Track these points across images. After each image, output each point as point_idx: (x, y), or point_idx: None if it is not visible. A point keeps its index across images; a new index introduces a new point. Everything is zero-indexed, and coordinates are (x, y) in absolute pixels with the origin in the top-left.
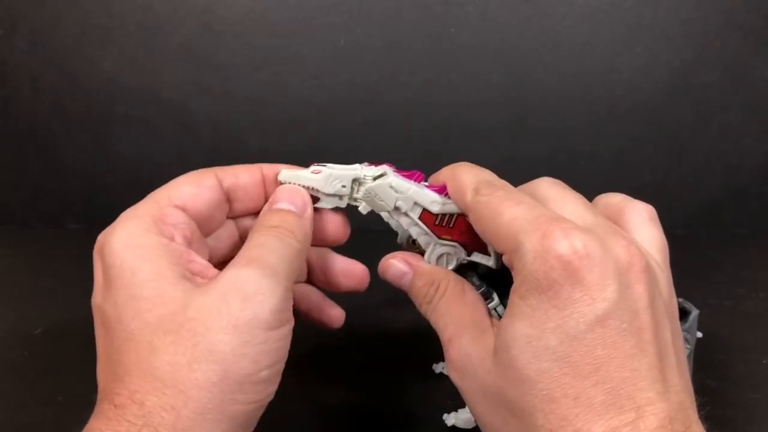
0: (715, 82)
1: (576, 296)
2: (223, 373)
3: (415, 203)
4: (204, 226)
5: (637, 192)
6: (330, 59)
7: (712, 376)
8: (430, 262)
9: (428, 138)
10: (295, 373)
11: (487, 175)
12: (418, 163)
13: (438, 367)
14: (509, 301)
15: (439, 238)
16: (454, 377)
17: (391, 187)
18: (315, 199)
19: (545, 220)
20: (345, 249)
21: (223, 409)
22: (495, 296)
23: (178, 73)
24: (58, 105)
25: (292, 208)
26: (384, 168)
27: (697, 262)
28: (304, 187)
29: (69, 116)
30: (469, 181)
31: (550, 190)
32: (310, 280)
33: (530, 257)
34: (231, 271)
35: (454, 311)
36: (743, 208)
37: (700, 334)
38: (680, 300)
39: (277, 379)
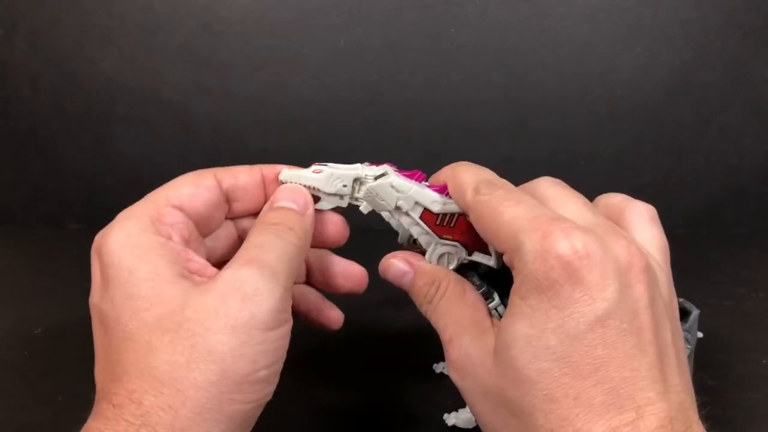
0: (715, 82)
1: (576, 296)
2: (221, 374)
3: (416, 203)
4: (202, 226)
5: (637, 192)
6: (330, 59)
7: (712, 376)
8: (431, 262)
9: (428, 138)
10: (294, 373)
11: (487, 174)
12: (418, 163)
13: (438, 367)
14: (509, 301)
15: (440, 237)
16: (455, 377)
17: (393, 186)
18: (316, 199)
19: (545, 219)
20: (346, 249)
21: (222, 409)
22: (496, 296)
23: (178, 73)
24: (58, 105)
25: (293, 206)
26: (385, 168)
27: (697, 262)
28: (305, 186)
29: (69, 116)
30: (469, 180)
31: (551, 189)
32: (308, 281)
33: (530, 257)
34: (230, 270)
35: (454, 311)
36: (743, 208)
37: (700, 335)
38: (681, 300)
39: (276, 379)
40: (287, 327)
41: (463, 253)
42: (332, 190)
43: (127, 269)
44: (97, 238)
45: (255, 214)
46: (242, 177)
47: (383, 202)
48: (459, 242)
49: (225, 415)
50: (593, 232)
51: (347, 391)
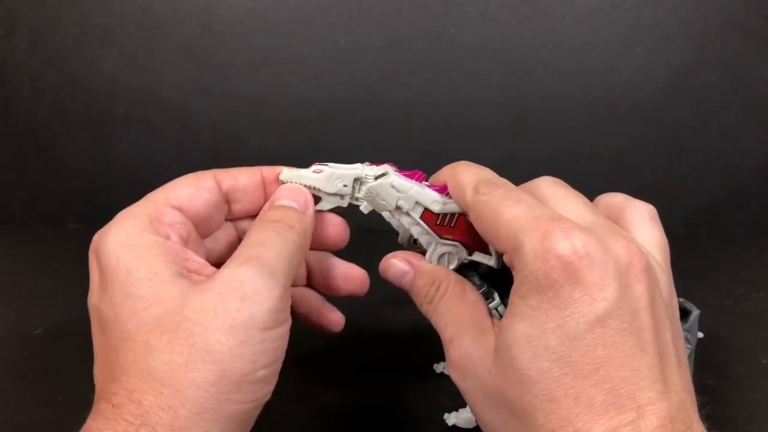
0: (715, 82)
1: (576, 296)
2: (220, 373)
3: (417, 203)
4: (202, 227)
5: (637, 192)
6: (330, 59)
7: (712, 376)
8: (431, 262)
9: (428, 138)
10: (294, 373)
11: (486, 173)
12: (418, 163)
13: (439, 367)
14: (509, 301)
15: (441, 237)
16: (455, 377)
17: (393, 186)
18: (316, 199)
19: (545, 219)
20: (346, 249)
21: (221, 409)
22: (496, 296)
23: (178, 73)
24: (58, 105)
25: (294, 204)
26: (385, 167)
27: (697, 262)
28: (305, 186)
29: (69, 116)
30: (469, 179)
31: (551, 189)
32: (309, 283)
33: (530, 257)
34: (228, 269)
35: (454, 311)
36: (743, 208)
37: (701, 335)
38: (681, 300)
39: (275, 379)
40: (286, 327)
41: (463, 253)
42: (333, 190)
43: (125, 269)
44: (95, 238)
45: (255, 215)
46: (242, 178)
47: (384, 202)
48: (459, 242)
49: (224, 415)
50: (593, 232)
51: (347, 391)
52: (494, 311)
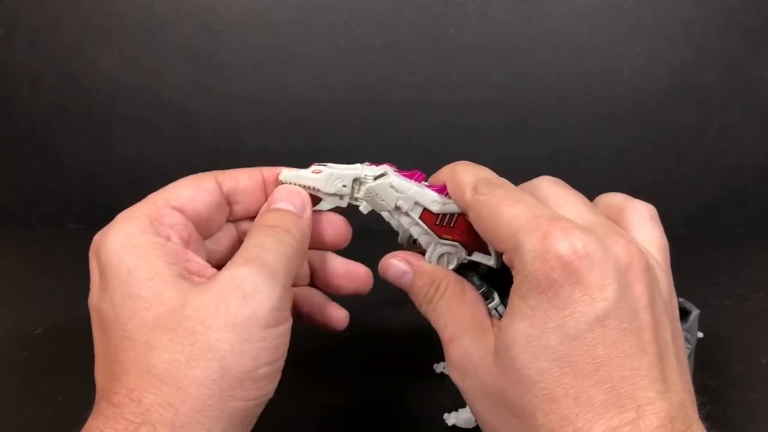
0: (715, 82)
1: (576, 296)
2: (221, 371)
3: (416, 203)
4: (203, 228)
5: (637, 192)
6: (330, 59)
7: (712, 376)
8: (430, 262)
9: (428, 138)
10: (295, 373)
11: (486, 173)
12: (418, 163)
13: (439, 367)
14: (509, 301)
15: (440, 237)
16: (455, 377)
17: (392, 186)
18: (316, 200)
19: (545, 219)
20: (346, 249)
21: (223, 406)
22: (496, 296)
23: (178, 73)
24: (58, 105)
25: (291, 208)
26: (385, 168)
27: (697, 262)
28: (304, 186)
29: (69, 116)
30: (468, 179)
31: (550, 188)
32: (312, 283)
33: (530, 257)
34: (229, 270)
35: (454, 311)
36: (743, 208)
37: (701, 334)
38: (681, 300)
39: (277, 377)
40: (287, 325)
41: (462, 253)
42: (332, 191)
43: (125, 269)
44: (96, 238)
45: (255, 216)
46: (243, 179)
47: (383, 202)
48: (459, 242)
49: (226, 412)
50: (593, 231)
51: (348, 391)
52: (494, 311)
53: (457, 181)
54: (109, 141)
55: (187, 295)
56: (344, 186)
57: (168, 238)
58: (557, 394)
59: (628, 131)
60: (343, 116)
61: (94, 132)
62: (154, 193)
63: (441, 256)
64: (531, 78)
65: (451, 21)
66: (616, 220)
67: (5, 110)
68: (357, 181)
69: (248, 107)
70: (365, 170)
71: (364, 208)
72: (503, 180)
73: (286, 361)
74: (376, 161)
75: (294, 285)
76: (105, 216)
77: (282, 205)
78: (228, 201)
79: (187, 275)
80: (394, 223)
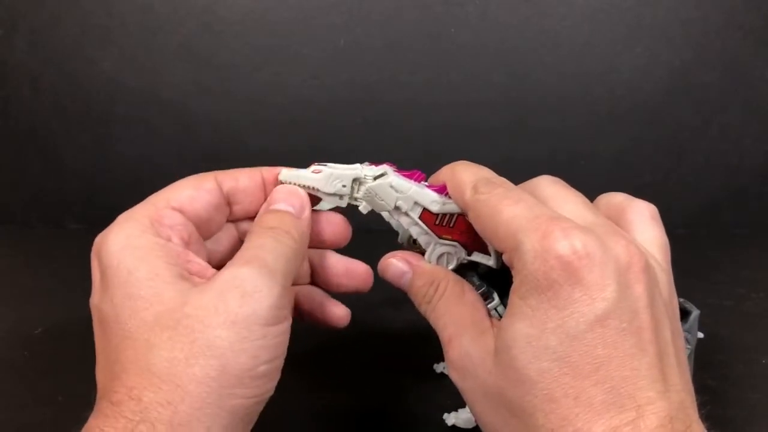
0: (715, 82)
1: (576, 296)
2: (221, 368)
3: (416, 203)
4: (203, 228)
5: (637, 192)
6: (330, 59)
7: (712, 376)
8: (430, 262)
9: (428, 138)
10: (295, 372)
11: (486, 172)
12: (418, 163)
13: (439, 367)
14: (509, 301)
15: (440, 237)
16: (454, 377)
17: (392, 186)
18: (316, 199)
19: (545, 219)
20: (346, 249)
21: (222, 404)
22: (495, 296)
23: (178, 73)
24: (58, 105)
25: (289, 209)
26: (384, 168)
27: (697, 262)
28: (304, 186)
29: (69, 116)
30: (468, 178)
31: (550, 188)
32: (313, 281)
33: (530, 257)
34: (229, 270)
35: (453, 311)
36: (743, 208)
37: (701, 335)
38: (681, 300)
39: (277, 376)
40: (287, 324)
41: (462, 253)
42: (331, 191)
43: (126, 270)
44: (97, 240)
45: (255, 216)
46: (243, 179)
47: (382, 202)
48: (458, 242)
49: (225, 410)
50: (593, 231)
51: (348, 390)
52: (494, 311)
53: (456, 180)
54: (109, 141)
55: (187, 294)
56: (344, 186)
57: (168, 239)
58: (557, 394)
59: (628, 131)
60: (343, 116)
61: (94, 132)
62: (155, 194)
63: (440, 256)
64: (531, 78)
65: (451, 21)
66: (617, 219)
67: (5, 110)
68: (356, 181)
69: (248, 107)
70: (365, 170)
71: (363, 208)
72: (503, 179)
73: (287, 359)
74: (376, 161)
75: (294, 283)
76: (105, 216)
77: (281, 206)
78: (228, 201)
79: (187, 276)
80: (393, 223)
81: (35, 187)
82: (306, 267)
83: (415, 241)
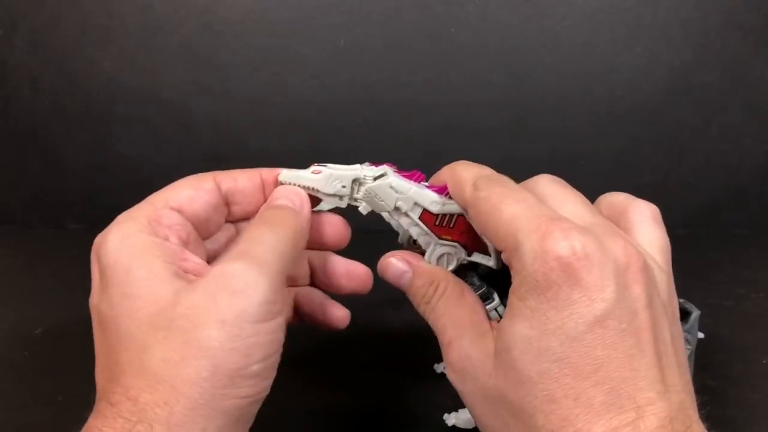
0: (715, 82)
1: (575, 297)
2: (213, 369)
3: (416, 203)
4: (202, 228)
5: (637, 192)
6: (330, 59)
7: (712, 376)
8: (430, 262)
9: (428, 138)
10: (294, 372)
11: (486, 171)
12: (418, 163)
13: (439, 367)
14: (509, 302)
15: (440, 238)
16: (454, 379)
17: (392, 187)
18: (316, 200)
19: (545, 219)
20: (345, 249)
21: (216, 405)
22: (495, 296)
23: (178, 73)
24: (58, 105)
25: (289, 204)
26: (384, 168)
27: (697, 262)
28: (304, 187)
29: (69, 116)
30: (469, 176)
31: (550, 187)
32: (313, 282)
33: (530, 258)
34: (219, 265)
35: (453, 312)
36: (743, 208)
37: (701, 335)
38: (681, 301)
39: (272, 374)
40: (280, 319)
41: (462, 254)
42: (331, 191)
43: (123, 269)
44: (97, 240)
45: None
46: (242, 180)
47: (382, 202)
48: (458, 243)
49: (220, 411)
50: (592, 232)
51: (347, 390)
52: (493, 312)
53: (457, 178)
54: (109, 141)
55: (181, 293)
56: (343, 187)
57: (166, 239)
58: (557, 395)
59: (628, 131)
60: (343, 116)
61: (94, 132)
62: (154, 194)
63: (440, 256)
64: (531, 78)
65: (451, 21)
66: (618, 219)
67: (5, 110)
68: (356, 181)
69: (248, 107)
70: (365, 171)
71: (363, 208)
72: (504, 177)
73: (285, 359)
74: (376, 161)
75: (294, 285)
76: (105, 216)
77: (281, 201)
78: (227, 201)
79: (182, 274)
80: (393, 223)
81: (35, 187)
82: (306, 268)
83: (415, 241)
